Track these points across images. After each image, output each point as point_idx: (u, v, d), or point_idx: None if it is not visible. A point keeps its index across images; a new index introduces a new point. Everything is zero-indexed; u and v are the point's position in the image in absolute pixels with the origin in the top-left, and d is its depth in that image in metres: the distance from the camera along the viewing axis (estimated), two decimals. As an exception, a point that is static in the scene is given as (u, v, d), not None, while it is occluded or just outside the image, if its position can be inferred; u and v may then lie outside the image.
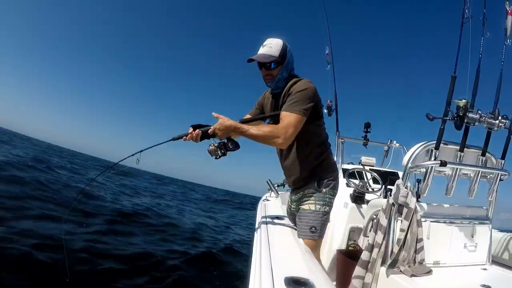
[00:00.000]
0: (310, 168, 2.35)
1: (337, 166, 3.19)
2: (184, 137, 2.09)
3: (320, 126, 2.40)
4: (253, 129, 2.04)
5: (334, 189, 2.36)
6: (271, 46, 2.24)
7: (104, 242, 6.18)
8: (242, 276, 5.87)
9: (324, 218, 2.27)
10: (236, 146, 2.14)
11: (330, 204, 2.32)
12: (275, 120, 2.23)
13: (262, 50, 2.26)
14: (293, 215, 2.61)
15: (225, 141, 2.11)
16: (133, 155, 2.20)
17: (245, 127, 2.04)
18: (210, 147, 2.12)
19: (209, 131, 2.04)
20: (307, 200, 2.32)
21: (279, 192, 5.73)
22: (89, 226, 7.06)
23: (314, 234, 2.23)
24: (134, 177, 29.39)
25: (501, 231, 3.27)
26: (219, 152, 2.10)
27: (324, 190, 2.30)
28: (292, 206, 2.59)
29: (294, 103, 2.10)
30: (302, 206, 2.35)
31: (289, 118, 2.07)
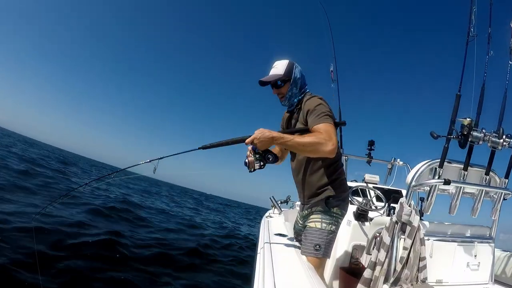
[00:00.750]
0: (320, 186, 2.33)
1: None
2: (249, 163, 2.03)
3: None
4: (298, 138, 1.97)
5: (343, 209, 2.33)
6: (277, 66, 2.33)
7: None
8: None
9: (330, 237, 2.24)
10: (275, 158, 2.06)
11: (336, 224, 2.28)
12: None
13: (270, 72, 2.33)
14: (298, 231, 2.58)
15: (262, 153, 2.01)
16: (150, 161, 2.17)
17: (288, 136, 1.97)
18: (249, 158, 2.01)
19: (246, 141, 1.95)
20: (314, 218, 2.30)
21: (282, 209, 5.71)
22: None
23: (318, 252, 2.21)
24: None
25: (504, 250, 3.24)
26: (257, 165, 2.00)
27: (332, 209, 2.27)
28: (300, 223, 2.56)
29: (320, 115, 2.07)
30: (308, 224, 2.33)
31: (324, 127, 2.01)
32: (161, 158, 2.16)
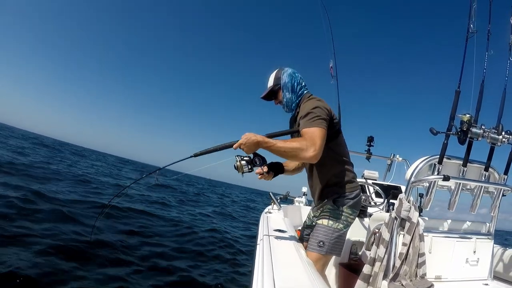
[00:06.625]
0: (328, 186, 2.34)
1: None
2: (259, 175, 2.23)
3: (339, 144, 2.38)
4: (280, 143, 1.97)
5: (354, 208, 2.32)
6: (268, 80, 2.47)
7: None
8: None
9: (336, 234, 2.25)
10: (263, 161, 2.12)
11: (344, 222, 2.28)
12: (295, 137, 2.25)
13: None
14: (307, 227, 2.61)
15: (251, 156, 2.07)
16: (158, 170, 2.26)
17: (272, 141, 1.97)
18: (237, 163, 2.05)
19: (234, 146, 1.98)
20: (323, 216, 2.32)
21: (281, 205, 5.72)
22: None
23: (321, 249, 2.22)
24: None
25: (504, 246, 3.24)
26: (246, 168, 2.05)
27: (341, 208, 2.27)
28: (310, 220, 2.58)
29: (310, 119, 2.08)
30: (318, 221, 2.36)
31: (311, 131, 2.02)
32: (160, 169, 2.25)
